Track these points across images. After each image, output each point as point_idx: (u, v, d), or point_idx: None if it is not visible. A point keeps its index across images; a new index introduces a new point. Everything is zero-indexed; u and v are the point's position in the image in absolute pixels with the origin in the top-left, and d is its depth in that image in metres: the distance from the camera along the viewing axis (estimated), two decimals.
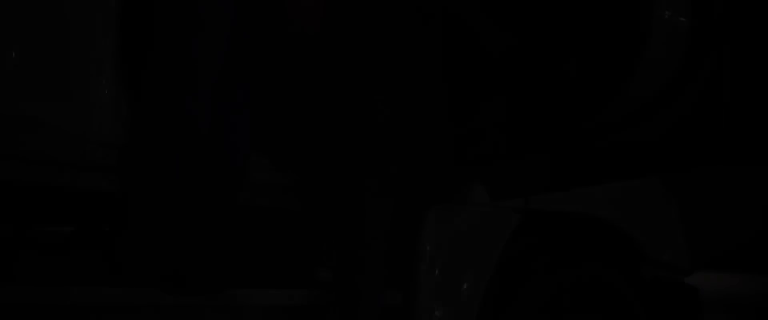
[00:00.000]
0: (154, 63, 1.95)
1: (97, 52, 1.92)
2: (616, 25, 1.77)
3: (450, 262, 2.38)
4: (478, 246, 2.48)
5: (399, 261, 2.40)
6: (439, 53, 2.18)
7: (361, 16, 2.20)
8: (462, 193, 2.44)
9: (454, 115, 2.30)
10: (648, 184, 3.27)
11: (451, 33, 2.24)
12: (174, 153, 1.90)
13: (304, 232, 2.41)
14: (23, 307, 1.81)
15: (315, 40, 2.23)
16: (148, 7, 2.03)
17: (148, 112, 1.93)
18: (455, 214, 2.41)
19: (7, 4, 1.83)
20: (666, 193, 3.39)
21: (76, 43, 1.90)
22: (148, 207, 1.88)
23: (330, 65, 2.28)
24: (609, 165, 1.96)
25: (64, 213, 2.61)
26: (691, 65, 1.72)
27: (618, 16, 1.78)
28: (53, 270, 2.09)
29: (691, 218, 3.22)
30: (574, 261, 2.81)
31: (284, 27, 2.18)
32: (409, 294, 2.31)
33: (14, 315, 1.80)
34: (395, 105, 2.18)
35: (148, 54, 2.01)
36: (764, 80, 2.19)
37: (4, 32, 1.82)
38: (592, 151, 1.87)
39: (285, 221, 2.48)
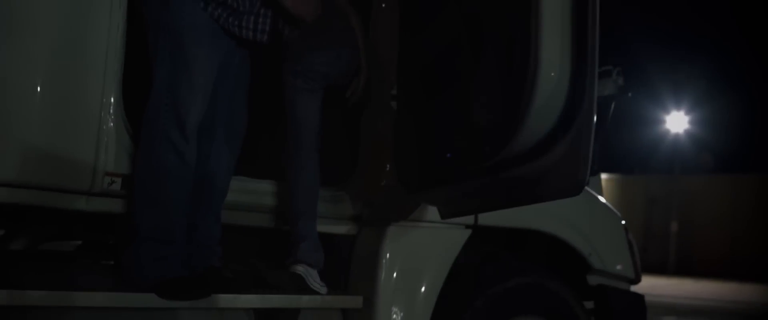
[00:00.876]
0: (150, 104, 2.38)
1: (106, 98, 2.35)
2: (511, 82, 2.21)
3: (404, 271, 2.80)
4: (431, 257, 2.90)
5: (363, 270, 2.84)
6: None
7: None
8: (417, 213, 2.87)
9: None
10: (596, 205, 3.71)
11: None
12: (167, 180, 2.33)
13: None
14: (40, 309, 2.23)
15: None
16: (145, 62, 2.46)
17: (145, 145, 2.36)
18: (408, 231, 2.84)
19: (33, 57, 2.27)
20: (614, 213, 3.83)
21: (91, 91, 2.33)
22: (148, 225, 2.31)
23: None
24: (509, 194, 2.39)
25: (77, 230, 3.05)
26: (568, 116, 2.15)
27: (512, 77, 2.21)
28: (65, 277, 2.51)
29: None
30: (520, 270, 3.23)
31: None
32: (368, 298, 2.73)
33: (31, 316, 2.22)
34: None
35: (147, 98, 2.44)
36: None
37: (32, 79, 2.25)
38: (497, 181, 2.30)
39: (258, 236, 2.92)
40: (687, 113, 26.47)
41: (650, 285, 19.54)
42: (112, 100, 2.35)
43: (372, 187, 2.87)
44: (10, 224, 2.91)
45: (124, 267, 2.33)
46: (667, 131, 26.65)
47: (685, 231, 24.35)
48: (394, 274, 2.80)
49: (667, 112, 26.61)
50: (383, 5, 2.93)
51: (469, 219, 3.01)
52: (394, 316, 2.78)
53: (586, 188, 3.72)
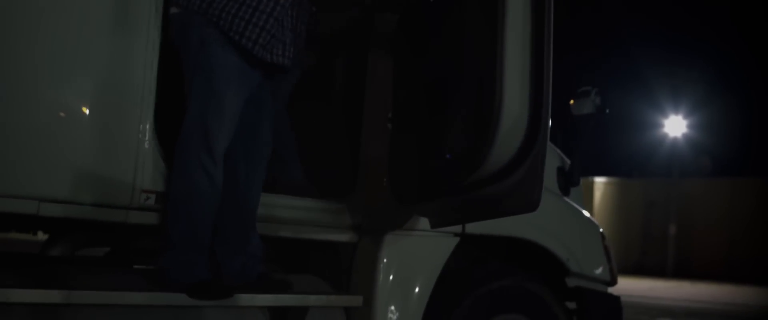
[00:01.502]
0: (184, 131, 2.79)
1: (142, 124, 2.76)
2: (481, 117, 2.63)
3: (400, 274, 3.21)
4: (423, 262, 3.31)
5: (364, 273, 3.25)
6: None
7: None
8: (411, 223, 3.28)
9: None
10: (574, 215, 4.12)
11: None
12: (198, 198, 2.73)
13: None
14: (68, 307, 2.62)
15: None
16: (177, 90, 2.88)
17: (179, 167, 2.77)
18: (403, 238, 3.25)
19: (84, 92, 2.68)
20: (592, 222, 4.23)
21: (130, 119, 2.74)
22: (181, 236, 2.72)
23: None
24: (481, 209, 2.81)
25: (109, 238, 3.47)
26: (526, 147, 2.57)
27: (481, 113, 2.64)
28: (105, 279, 2.91)
29: None
30: (504, 273, 3.64)
31: None
32: (368, 298, 3.14)
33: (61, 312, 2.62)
34: None
35: (175, 123, 2.85)
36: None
37: (82, 111, 2.66)
38: (471, 198, 2.72)
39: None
40: (685, 117, 26.81)
41: (648, 288, 19.83)
42: (148, 126, 2.76)
43: (371, 200, 3.28)
44: (55, 233, 3.32)
45: (159, 272, 2.74)
46: (666, 135, 26.98)
47: (684, 234, 24.53)
48: (391, 277, 3.21)
49: (666, 116, 26.96)
50: (380, 47, 3.36)
51: (458, 228, 3.42)
52: (391, 314, 3.19)
53: (566, 199, 4.15)
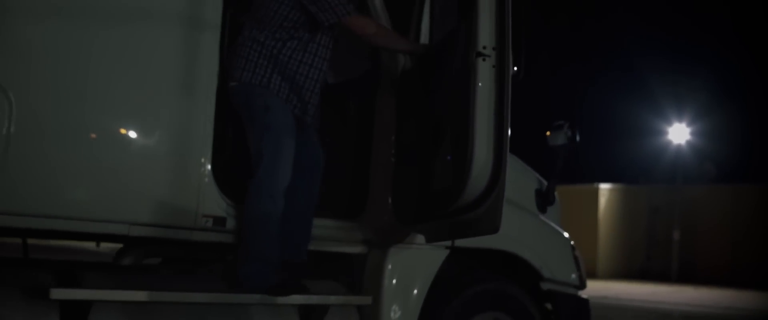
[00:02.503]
0: (258, 174, 3.68)
1: (204, 165, 3.65)
2: (458, 162, 3.56)
3: (401, 279, 4.10)
4: (420, 269, 4.19)
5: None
6: None
7: None
8: (410, 239, 4.18)
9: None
10: (547, 229, 4.99)
11: None
12: (269, 223, 3.63)
13: None
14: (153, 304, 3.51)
15: None
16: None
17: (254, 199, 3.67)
18: (404, 251, 4.14)
19: (161, 140, 3.58)
20: (562, 235, 5.10)
21: (194, 159, 3.63)
22: (257, 253, 3.62)
23: None
24: (460, 230, 3.76)
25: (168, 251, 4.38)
26: (490, 187, 3.48)
27: (458, 159, 3.56)
28: (178, 281, 3.80)
29: None
30: (486, 279, 4.53)
31: None
32: (376, 298, 4.03)
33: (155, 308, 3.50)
34: None
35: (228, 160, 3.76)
36: None
37: (161, 154, 3.56)
38: (452, 222, 3.65)
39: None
40: (689, 125, 27.51)
41: (651, 292, 20.46)
42: (207, 165, 3.66)
43: (377, 220, 4.18)
44: (128, 245, 4.24)
45: (238, 280, 3.63)
46: (670, 142, 27.67)
47: (688, 240, 25.05)
48: (394, 281, 4.10)
49: (670, 123, 27.68)
50: (386, 93, 4.26)
51: (448, 242, 4.29)
52: (394, 312, 4.07)
53: (542, 216, 5.03)
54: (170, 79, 3.60)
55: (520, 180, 5.00)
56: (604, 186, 26.50)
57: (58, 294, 3.22)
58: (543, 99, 32.32)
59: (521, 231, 4.72)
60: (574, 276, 5.02)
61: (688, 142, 27.47)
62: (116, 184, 3.47)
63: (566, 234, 5.16)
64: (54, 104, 3.36)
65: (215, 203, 3.68)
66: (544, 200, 5.10)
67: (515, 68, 3.97)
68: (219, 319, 3.67)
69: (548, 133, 5.08)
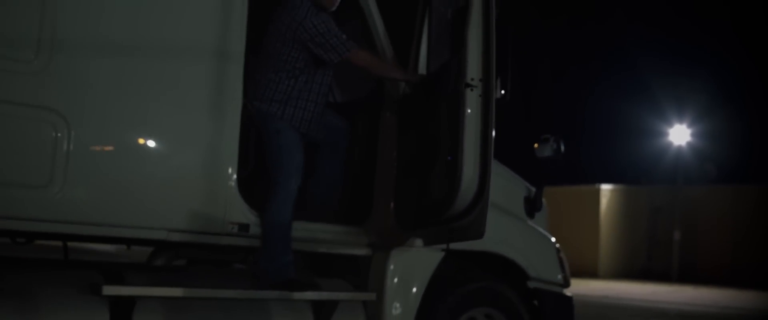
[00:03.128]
0: (279, 182, 4.33)
1: (230, 178, 4.26)
2: (449, 177, 4.19)
3: (402, 278, 4.71)
4: (419, 269, 4.80)
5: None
6: None
7: None
8: (410, 242, 4.79)
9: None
10: (534, 233, 5.59)
11: None
12: (289, 223, 4.28)
13: None
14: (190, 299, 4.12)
15: None
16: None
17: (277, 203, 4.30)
18: (404, 252, 4.75)
19: (193, 158, 4.19)
20: (548, 238, 5.69)
21: (222, 172, 4.24)
22: (278, 250, 4.27)
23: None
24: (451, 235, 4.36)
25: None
26: (476, 200, 4.10)
27: (449, 174, 4.20)
28: (204, 279, 4.41)
29: None
30: (478, 278, 5.14)
31: None
32: (380, 295, 4.64)
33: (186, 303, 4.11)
34: None
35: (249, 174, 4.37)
36: None
37: (194, 169, 4.17)
38: (445, 228, 4.29)
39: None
40: (689, 126, 28.03)
41: (651, 291, 20.91)
42: (234, 178, 4.27)
43: (381, 225, 4.78)
44: (159, 248, 4.86)
45: (259, 274, 4.26)
46: (670, 143, 28.20)
47: (688, 240, 25.49)
48: (396, 280, 4.70)
49: (670, 125, 28.22)
50: (388, 112, 4.88)
51: (444, 245, 4.90)
52: (396, 307, 4.68)
53: (529, 222, 5.63)
54: (203, 103, 4.21)
55: (510, 189, 5.61)
56: (606, 187, 26.99)
57: (109, 290, 3.84)
58: (545, 102, 32.94)
59: (510, 235, 5.34)
60: (558, 275, 5.63)
61: (688, 143, 27.97)
62: (157, 196, 4.08)
63: (553, 238, 5.76)
64: (105, 127, 3.98)
65: (240, 211, 4.30)
66: (531, 206, 5.71)
67: (502, 92, 4.59)
68: (242, 312, 4.28)
69: (536, 145, 5.69)
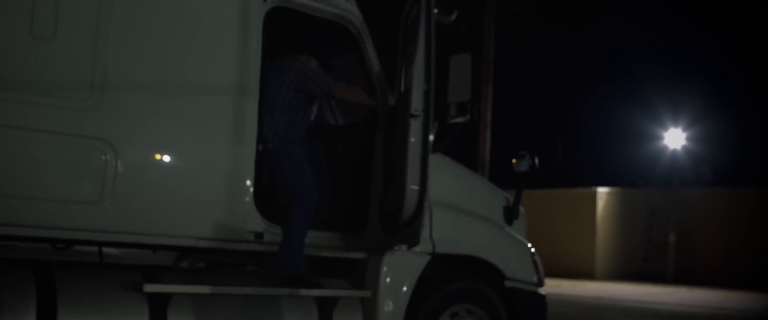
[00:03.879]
0: (300, 192, 5.26)
1: (248, 193, 5.14)
2: (398, 193, 5.14)
3: (393, 278, 5.59)
4: (408, 270, 5.68)
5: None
6: None
7: None
8: (400, 246, 5.67)
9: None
10: (510, 238, 6.47)
11: None
12: (308, 225, 5.22)
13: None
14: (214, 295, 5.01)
15: None
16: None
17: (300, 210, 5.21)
18: (396, 255, 5.63)
19: (218, 177, 5.07)
20: (523, 243, 6.58)
21: (241, 187, 5.12)
22: (299, 246, 5.17)
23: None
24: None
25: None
26: (415, 215, 5.07)
27: (397, 191, 5.15)
28: (227, 278, 5.30)
29: None
30: (460, 278, 6.02)
31: None
32: (374, 292, 5.53)
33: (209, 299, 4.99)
34: None
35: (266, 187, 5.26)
36: None
37: (219, 185, 5.06)
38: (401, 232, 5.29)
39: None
40: (684, 130, 28.88)
41: (646, 292, 21.56)
42: (251, 192, 5.15)
43: (376, 233, 5.67)
44: (183, 253, 5.75)
45: (280, 265, 5.14)
46: (666, 147, 29.03)
47: (684, 242, 26.30)
48: (388, 280, 5.58)
49: (666, 129, 29.06)
50: (378, 135, 5.78)
51: (430, 249, 5.78)
52: (388, 303, 5.55)
53: (507, 228, 6.52)
54: (225, 132, 5.10)
55: (490, 200, 6.50)
56: (602, 190, 27.76)
57: (149, 288, 4.71)
58: (544, 106, 33.74)
59: (489, 240, 6.23)
60: (533, 276, 6.51)
61: (684, 147, 28.78)
62: (187, 209, 4.96)
63: (528, 243, 6.64)
64: (145, 152, 4.86)
65: (256, 222, 5.18)
66: (509, 215, 6.59)
67: (469, 116, 5.51)
68: (257, 307, 5.14)
69: (514, 161, 6.58)
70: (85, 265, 5.08)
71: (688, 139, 28.92)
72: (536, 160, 6.55)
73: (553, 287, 21.41)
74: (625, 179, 30.23)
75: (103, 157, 4.69)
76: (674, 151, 28.59)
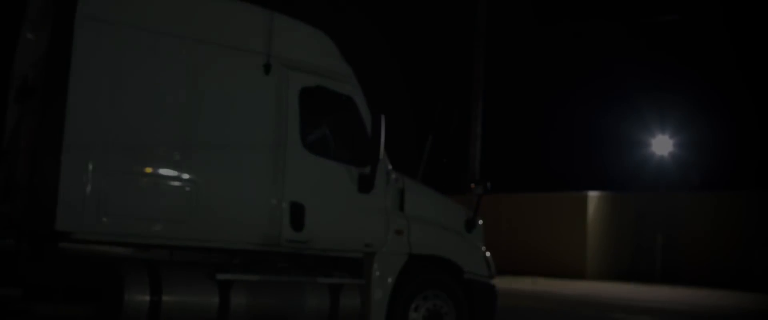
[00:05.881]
0: None
1: (285, 209, 7.98)
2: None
3: (381, 271, 8.45)
4: (393, 266, 8.53)
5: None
6: None
7: None
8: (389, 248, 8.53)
9: None
10: (468, 242, 9.33)
11: None
12: None
13: None
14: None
15: None
16: None
17: None
18: (383, 255, 8.47)
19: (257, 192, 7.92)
20: (480, 246, 9.43)
21: (284, 208, 7.97)
22: None
23: None
24: None
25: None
26: None
27: None
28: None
29: None
30: (431, 271, 8.90)
31: None
32: (368, 282, 8.40)
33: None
34: None
35: None
36: None
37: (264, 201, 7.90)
38: None
39: None
40: (671, 137, 31.15)
41: (629, 290, 23.10)
42: (288, 211, 7.97)
43: None
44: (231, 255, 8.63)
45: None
46: (653, 154, 31.15)
47: (672, 245, 27.67)
48: (378, 273, 8.43)
49: (653, 135, 31.37)
50: None
51: (408, 250, 8.63)
52: (378, 290, 8.39)
53: (467, 235, 9.40)
54: (268, 174, 7.93)
55: (454, 215, 9.38)
56: (593, 194, 29.04)
57: (222, 276, 7.54)
58: (545, 111, 35.90)
59: (452, 244, 9.10)
60: (486, 271, 9.38)
61: (670, 153, 30.78)
62: (244, 222, 7.79)
63: (483, 247, 9.51)
64: (216, 184, 7.64)
65: (289, 233, 7.98)
66: (469, 226, 9.46)
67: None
68: (288, 290, 7.97)
69: (472, 186, 9.49)
70: (173, 261, 7.92)
71: (675, 145, 30.95)
72: (489, 185, 9.44)
73: (546, 286, 23.59)
74: (616, 184, 31.79)
75: (188, 189, 7.45)
76: (661, 157, 30.61)
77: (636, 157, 31.88)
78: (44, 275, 6.99)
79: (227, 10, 7.81)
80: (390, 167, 8.55)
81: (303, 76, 8.06)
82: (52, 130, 6.84)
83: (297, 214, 7.85)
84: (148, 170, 7.25)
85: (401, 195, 8.63)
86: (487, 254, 9.49)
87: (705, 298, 21.56)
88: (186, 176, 7.42)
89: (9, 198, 7.52)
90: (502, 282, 10.82)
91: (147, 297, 7.02)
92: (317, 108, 8.22)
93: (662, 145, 30.83)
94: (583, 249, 28.55)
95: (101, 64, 6.94)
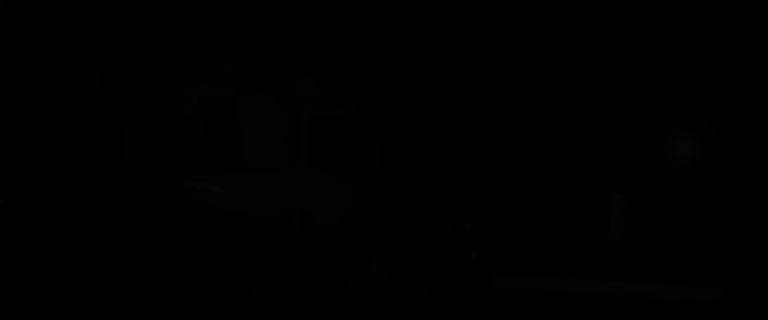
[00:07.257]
0: None
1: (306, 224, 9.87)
2: None
3: (380, 268, 10.39)
4: (387, 265, 10.47)
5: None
6: None
7: None
8: None
9: None
10: (458, 239, 11.29)
11: None
12: None
13: None
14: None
15: None
16: None
17: None
18: (380, 255, 10.43)
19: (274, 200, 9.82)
20: (471, 245, 11.40)
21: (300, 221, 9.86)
22: None
23: None
24: None
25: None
26: None
27: None
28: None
29: None
30: (420, 269, 10.85)
31: None
32: (365, 277, 10.35)
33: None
34: None
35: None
36: None
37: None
38: None
39: None
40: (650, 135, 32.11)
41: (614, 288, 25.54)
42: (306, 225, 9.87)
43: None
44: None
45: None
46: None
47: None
48: (375, 269, 10.36)
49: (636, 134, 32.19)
50: None
51: (401, 250, 10.57)
52: (375, 285, 10.33)
53: (455, 235, 11.36)
54: (289, 190, 9.83)
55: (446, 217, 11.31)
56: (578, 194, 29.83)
57: (247, 272, 9.44)
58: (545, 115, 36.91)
59: (443, 244, 11.03)
60: (471, 270, 11.32)
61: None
62: (271, 232, 9.67)
63: (473, 247, 11.47)
64: (255, 192, 9.53)
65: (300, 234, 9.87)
66: (459, 228, 11.40)
67: None
68: (305, 283, 9.85)
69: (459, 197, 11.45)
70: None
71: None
72: (473, 195, 11.41)
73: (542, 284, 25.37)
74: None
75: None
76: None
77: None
78: None
79: (278, 62, 9.73)
80: (386, 179, 10.48)
81: (312, 108, 10.04)
82: None
83: (306, 220, 9.77)
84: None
85: (396, 201, 10.53)
86: (476, 254, 11.44)
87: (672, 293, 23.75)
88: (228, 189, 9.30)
89: None
90: None
91: None
92: (323, 132, 10.16)
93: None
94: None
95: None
